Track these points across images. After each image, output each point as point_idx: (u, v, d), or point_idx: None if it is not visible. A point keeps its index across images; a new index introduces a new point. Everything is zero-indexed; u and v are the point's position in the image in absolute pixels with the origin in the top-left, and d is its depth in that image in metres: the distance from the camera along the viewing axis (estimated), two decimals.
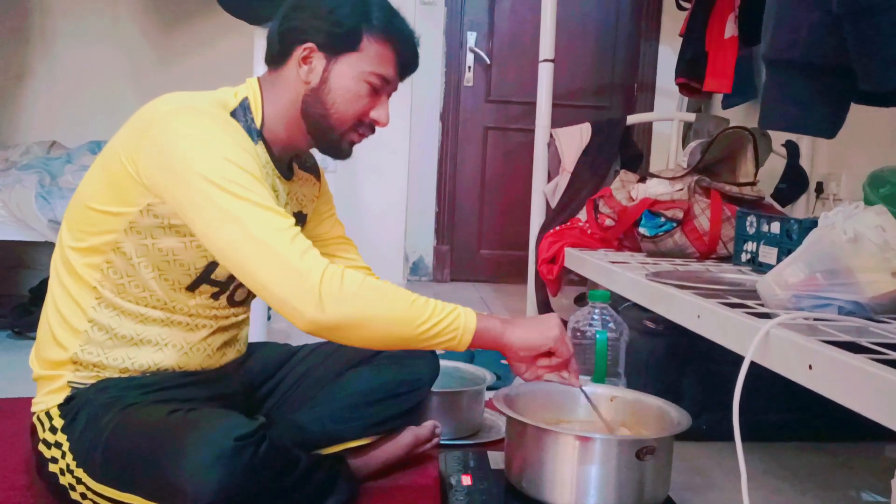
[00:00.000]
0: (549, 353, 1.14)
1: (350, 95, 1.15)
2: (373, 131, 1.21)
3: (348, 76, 1.14)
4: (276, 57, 1.17)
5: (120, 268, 1.09)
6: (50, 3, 2.97)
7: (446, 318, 1.03)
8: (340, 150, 1.20)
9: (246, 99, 1.15)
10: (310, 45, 1.14)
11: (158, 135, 1.03)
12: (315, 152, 1.29)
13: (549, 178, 2.68)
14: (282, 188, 1.22)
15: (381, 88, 1.17)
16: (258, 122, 1.15)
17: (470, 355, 2.07)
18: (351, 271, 1.00)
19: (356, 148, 1.24)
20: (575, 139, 2.66)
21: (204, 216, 0.99)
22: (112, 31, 3.01)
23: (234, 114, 1.12)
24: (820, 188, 2.56)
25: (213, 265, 1.12)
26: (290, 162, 1.26)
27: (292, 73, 1.16)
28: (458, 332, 1.04)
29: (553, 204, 2.62)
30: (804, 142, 2.61)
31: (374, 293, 1.00)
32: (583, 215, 2.36)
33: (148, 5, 3.01)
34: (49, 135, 2.75)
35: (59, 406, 1.10)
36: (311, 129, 1.17)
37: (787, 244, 1.55)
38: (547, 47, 2.53)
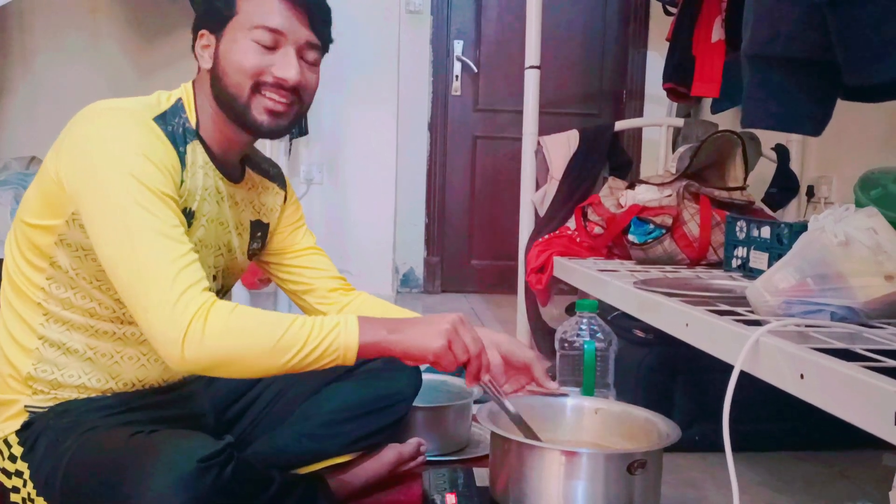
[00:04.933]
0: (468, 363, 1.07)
1: (237, 57, 1.08)
2: (290, 92, 1.10)
3: (231, 41, 1.09)
4: (196, 59, 1.14)
5: (62, 281, 1.06)
6: (29, 19, 2.94)
7: (324, 342, 0.98)
8: (257, 123, 1.11)
9: (180, 100, 1.11)
10: (202, 31, 1.11)
11: (75, 137, 1.01)
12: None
13: (538, 187, 2.65)
14: (226, 190, 1.17)
15: (276, 42, 1.09)
16: (193, 122, 1.11)
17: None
18: (221, 307, 0.95)
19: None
20: (562, 146, 2.62)
21: (99, 229, 0.97)
22: (92, 46, 2.98)
23: (161, 116, 1.07)
24: (811, 192, 2.53)
25: None
26: (241, 164, 1.22)
27: (202, 67, 1.13)
28: (340, 353, 0.99)
29: (542, 212, 2.58)
30: (794, 145, 2.59)
31: (239, 332, 0.95)
32: (572, 223, 2.32)
33: (127, 20, 2.99)
34: (29, 150, 2.71)
35: (17, 433, 1.06)
36: (225, 112, 1.11)
37: (777, 249, 1.52)
38: (532, 54, 2.49)
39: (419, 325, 1.04)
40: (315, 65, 1.14)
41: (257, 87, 1.09)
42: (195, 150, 1.10)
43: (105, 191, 0.97)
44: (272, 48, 1.08)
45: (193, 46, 1.13)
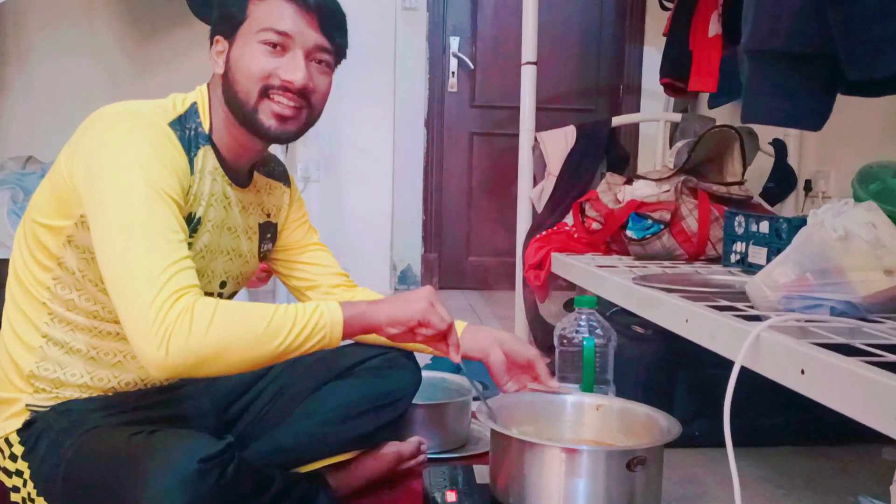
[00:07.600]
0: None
1: (245, 62, 1.08)
2: (298, 96, 1.10)
3: (242, 45, 1.09)
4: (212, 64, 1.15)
5: (67, 282, 1.06)
6: (24, 17, 2.92)
7: (310, 322, 0.99)
8: (265, 127, 1.10)
9: (195, 104, 1.12)
10: (216, 37, 1.12)
11: (90, 141, 1.00)
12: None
13: (535, 183, 2.65)
14: (234, 195, 1.17)
15: (284, 45, 1.08)
16: (206, 127, 1.11)
17: (457, 366, 2.02)
18: (204, 303, 0.93)
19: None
20: (560, 143, 2.62)
21: (99, 229, 0.97)
22: (88, 44, 2.97)
23: (177, 121, 1.07)
24: (809, 186, 2.53)
25: None
26: (250, 169, 1.22)
27: (215, 72, 1.13)
28: (327, 331, 1.00)
29: (539, 209, 2.58)
30: (792, 139, 2.59)
31: (226, 323, 0.94)
32: (570, 219, 2.32)
33: (124, 17, 2.98)
34: (26, 150, 2.71)
35: (19, 432, 1.06)
36: (236, 117, 1.11)
37: (776, 244, 1.52)
38: (529, 50, 2.49)
39: (397, 298, 1.09)
40: (326, 69, 1.14)
41: (265, 91, 1.08)
42: (205, 156, 1.10)
43: (110, 191, 0.96)
44: (281, 52, 1.08)
45: (210, 53, 1.14)
